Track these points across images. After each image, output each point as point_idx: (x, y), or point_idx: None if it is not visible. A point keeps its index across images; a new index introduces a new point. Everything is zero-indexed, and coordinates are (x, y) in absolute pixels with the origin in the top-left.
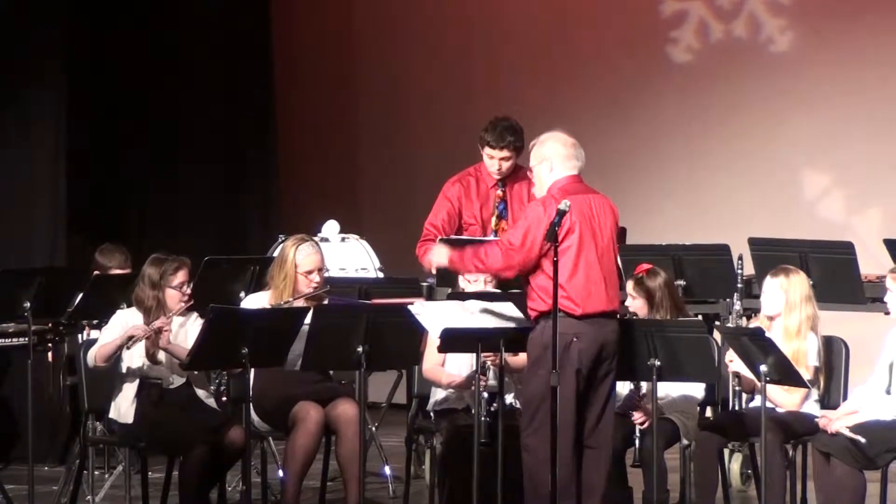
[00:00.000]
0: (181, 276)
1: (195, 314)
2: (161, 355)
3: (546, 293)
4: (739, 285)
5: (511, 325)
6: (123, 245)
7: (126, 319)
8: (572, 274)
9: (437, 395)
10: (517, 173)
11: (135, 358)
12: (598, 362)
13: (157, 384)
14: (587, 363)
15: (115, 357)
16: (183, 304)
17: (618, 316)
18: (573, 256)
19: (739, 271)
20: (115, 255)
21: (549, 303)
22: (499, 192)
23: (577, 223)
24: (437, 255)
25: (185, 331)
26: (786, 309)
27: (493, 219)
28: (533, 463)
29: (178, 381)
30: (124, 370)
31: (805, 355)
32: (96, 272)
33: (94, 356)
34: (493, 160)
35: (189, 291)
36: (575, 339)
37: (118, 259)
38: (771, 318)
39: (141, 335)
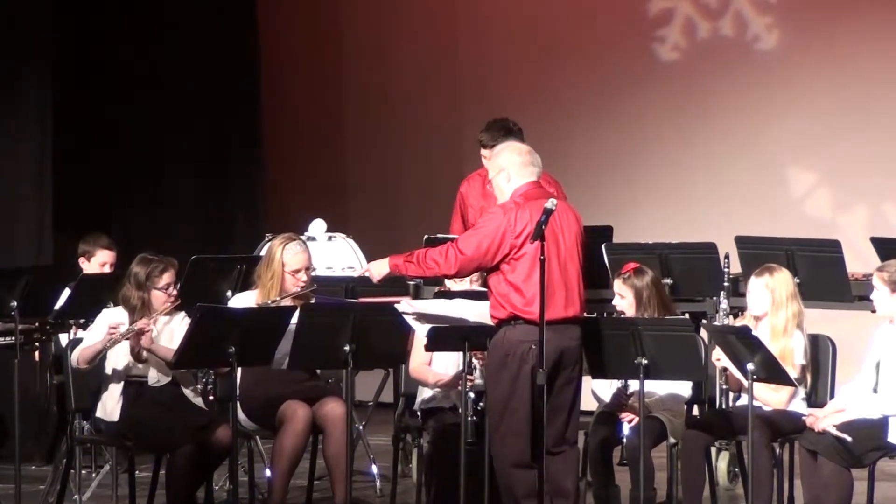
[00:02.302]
0: (167, 277)
1: (182, 313)
2: (147, 353)
3: (506, 300)
4: (726, 283)
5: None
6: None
7: (111, 319)
8: (528, 279)
9: (424, 394)
10: None
11: (120, 357)
12: (557, 369)
13: (143, 382)
14: (546, 370)
15: (97, 359)
16: (168, 305)
17: (580, 322)
18: (530, 262)
19: (726, 269)
20: (101, 238)
21: (508, 310)
22: None
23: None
24: (377, 266)
25: (171, 330)
26: (772, 308)
27: None
28: (500, 468)
29: (164, 379)
30: (110, 369)
31: (792, 353)
32: (82, 260)
33: (76, 358)
34: (487, 160)
35: (175, 293)
36: (533, 347)
37: (104, 241)
38: (758, 318)
39: (119, 335)
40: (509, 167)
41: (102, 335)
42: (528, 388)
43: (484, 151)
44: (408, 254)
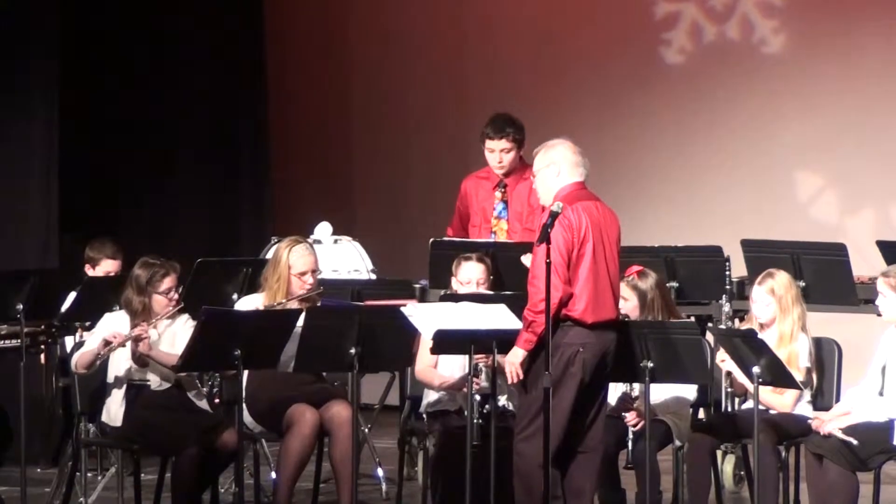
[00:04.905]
0: (168, 282)
1: (186, 316)
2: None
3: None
4: (728, 286)
5: (504, 326)
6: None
7: (112, 323)
8: (586, 283)
9: (430, 396)
10: (522, 173)
11: (122, 361)
12: (599, 371)
13: (145, 386)
14: (590, 372)
15: (95, 364)
16: (170, 310)
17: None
18: (588, 265)
19: (728, 273)
20: (106, 246)
21: (562, 312)
22: (497, 193)
23: (589, 232)
24: (512, 358)
25: (173, 333)
26: (780, 315)
27: (493, 219)
28: (525, 467)
29: (166, 384)
30: (112, 374)
31: (797, 356)
32: (88, 267)
33: (75, 363)
34: (494, 153)
35: (176, 297)
36: (581, 350)
37: (109, 249)
38: (764, 325)
39: (116, 344)
40: (561, 162)
41: (101, 341)
42: (571, 392)
43: (490, 143)
44: (519, 333)
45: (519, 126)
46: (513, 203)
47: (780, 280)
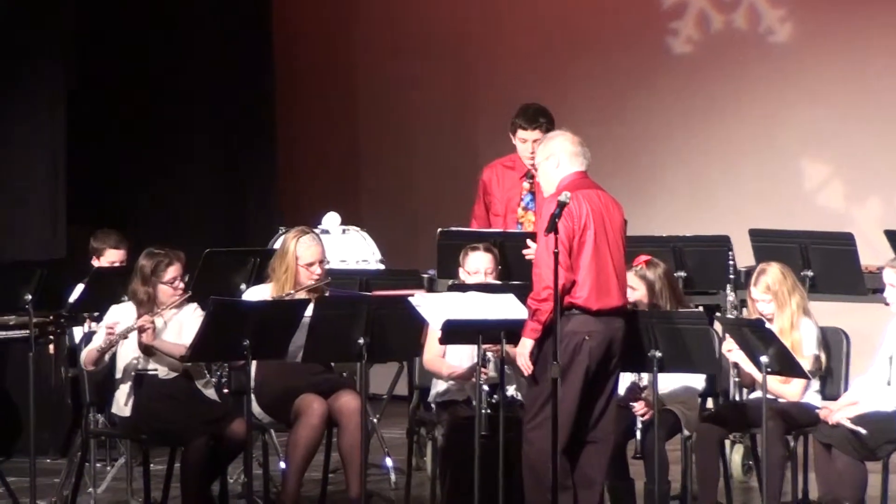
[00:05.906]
0: (173, 271)
1: (194, 305)
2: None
3: (562, 288)
4: (732, 276)
5: (512, 316)
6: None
7: (119, 315)
8: (589, 270)
9: (439, 386)
10: None
11: (129, 352)
12: (606, 359)
13: (153, 376)
14: (596, 360)
15: (103, 359)
16: (176, 299)
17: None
18: (590, 252)
19: (731, 262)
20: (110, 236)
21: (566, 299)
22: (525, 184)
23: (591, 219)
24: (522, 350)
25: (180, 322)
26: (778, 310)
27: (520, 210)
28: (535, 456)
29: (173, 373)
30: (120, 365)
31: (800, 344)
32: (94, 259)
33: (83, 360)
34: (526, 143)
35: (181, 286)
36: (587, 338)
37: (113, 239)
38: (770, 320)
39: (117, 335)
40: (560, 154)
41: (104, 334)
42: (578, 380)
43: (522, 133)
44: (525, 324)
45: (550, 117)
46: (540, 195)
47: (773, 274)
